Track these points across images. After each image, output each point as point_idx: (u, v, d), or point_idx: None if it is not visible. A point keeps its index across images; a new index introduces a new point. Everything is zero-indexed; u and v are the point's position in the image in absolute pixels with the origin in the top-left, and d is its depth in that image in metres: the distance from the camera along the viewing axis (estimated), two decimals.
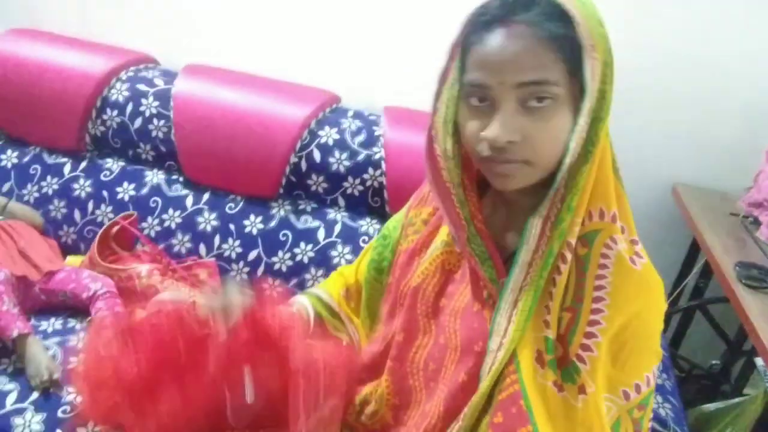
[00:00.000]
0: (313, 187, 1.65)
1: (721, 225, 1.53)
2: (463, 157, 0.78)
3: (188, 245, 1.64)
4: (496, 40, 0.68)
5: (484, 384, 0.73)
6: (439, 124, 0.77)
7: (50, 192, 1.73)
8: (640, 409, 0.73)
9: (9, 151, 1.78)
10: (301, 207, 1.65)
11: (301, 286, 1.57)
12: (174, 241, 1.65)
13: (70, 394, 1.22)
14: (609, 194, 0.73)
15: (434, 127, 0.78)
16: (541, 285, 0.72)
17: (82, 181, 1.73)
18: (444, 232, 0.86)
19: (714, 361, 1.76)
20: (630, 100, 1.65)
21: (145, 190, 1.70)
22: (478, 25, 0.70)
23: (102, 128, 1.74)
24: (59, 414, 1.20)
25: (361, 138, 1.63)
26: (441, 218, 0.87)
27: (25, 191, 1.74)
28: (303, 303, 0.99)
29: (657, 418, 1.18)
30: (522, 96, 0.67)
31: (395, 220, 0.98)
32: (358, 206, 1.64)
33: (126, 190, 1.70)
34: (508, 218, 0.82)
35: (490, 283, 0.77)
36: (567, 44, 0.67)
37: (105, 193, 1.70)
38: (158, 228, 1.66)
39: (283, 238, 1.60)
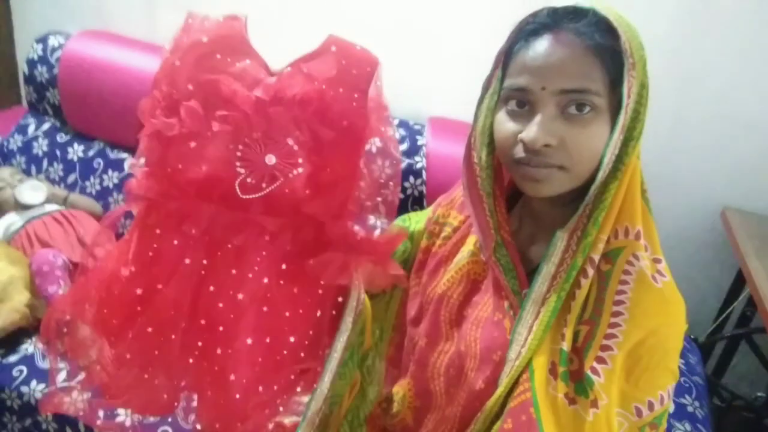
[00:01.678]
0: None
1: None
2: (495, 168, 0.80)
3: None
4: (542, 45, 0.69)
5: (499, 390, 0.74)
6: (477, 132, 0.79)
7: (110, 185, 1.84)
8: (652, 428, 0.72)
9: (75, 145, 1.90)
10: None
11: None
12: None
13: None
14: (635, 214, 0.73)
15: (474, 135, 0.80)
16: (563, 297, 0.73)
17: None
18: (471, 242, 0.87)
19: (759, 394, 1.70)
20: (681, 121, 1.62)
21: None
22: (525, 32, 0.72)
23: None
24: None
25: (404, 146, 1.66)
26: (470, 227, 0.88)
27: (87, 183, 1.85)
28: None
29: None
30: (563, 102, 0.69)
31: (419, 214, 1.00)
32: (398, 213, 1.66)
33: None
34: (533, 232, 0.83)
35: (512, 293, 0.78)
36: (610, 57, 0.68)
37: None
38: None
39: None
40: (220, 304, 0.81)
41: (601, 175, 0.69)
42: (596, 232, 0.72)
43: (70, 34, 1.92)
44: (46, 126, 1.94)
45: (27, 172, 1.88)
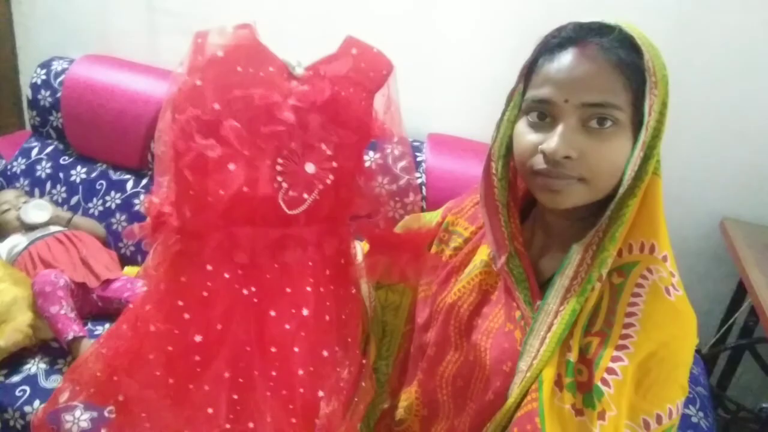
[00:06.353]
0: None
1: None
2: (510, 180, 0.81)
3: None
4: (567, 58, 0.70)
5: (509, 402, 0.74)
6: (497, 144, 0.80)
7: (113, 206, 1.86)
8: None
9: (78, 167, 1.92)
10: None
11: None
12: None
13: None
14: (654, 228, 0.73)
15: (494, 146, 0.81)
16: (577, 311, 0.73)
17: (142, 196, 1.85)
18: (484, 252, 0.87)
19: (764, 405, 1.69)
20: (679, 132, 1.63)
21: None
22: (551, 46, 0.73)
23: None
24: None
25: (403, 163, 1.67)
26: (482, 238, 0.89)
27: (90, 204, 1.87)
28: None
29: None
30: (585, 116, 0.69)
31: (427, 216, 1.01)
32: None
33: None
34: (545, 244, 0.83)
35: (524, 304, 0.78)
36: (634, 73, 0.69)
37: None
38: None
39: None
40: (287, 326, 0.78)
41: (621, 191, 0.70)
42: (613, 247, 0.72)
43: (73, 59, 1.95)
44: (49, 149, 1.96)
45: (30, 194, 1.89)
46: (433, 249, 0.95)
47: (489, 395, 0.78)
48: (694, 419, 1.28)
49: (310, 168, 0.79)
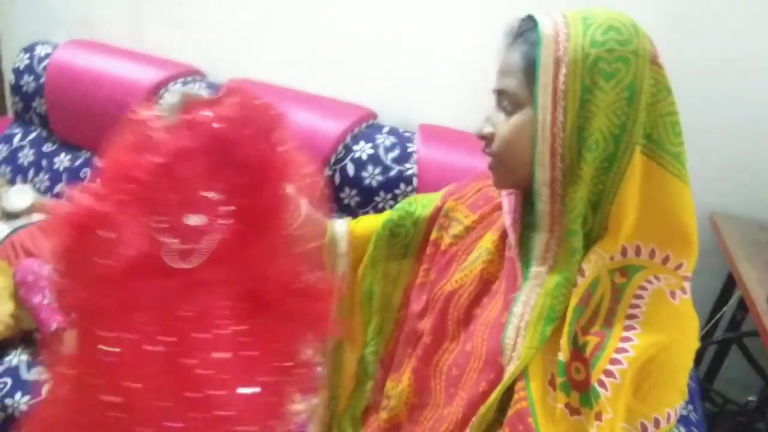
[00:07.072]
0: (346, 201, 1.68)
1: (759, 256, 1.48)
2: None
3: None
4: (504, 53, 0.78)
5: (492, 396, 0.74)
6: None
7: None
8: None
9: (62, 155, 1.88)
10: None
11: None
12: None
13: None
14: (670, 236, 0.74)
15: None
16: (556, 308, 0.72)
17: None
18: (488, 240, 0.86)
19: (750, 398, 1.70)
20: None
21: None
22: (503, 40, 0.79)
23: None
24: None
25: (394, 154, 1.66)
26: (487, 227, 0.88)
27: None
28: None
29: None
30: (499, 100, 0.77)
31: (426, 198, 1.00)
32: None
33: None
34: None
35: None
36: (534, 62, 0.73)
37: None
38: None
39: None
40: (207, 372, 0.77)
41: (537, 174, 0.72)
42: (575, 240, 0.72)
43: (57, 44, 1.91)
44: (32, 135, 1.92)
45: (12, 183, 1.85)
46: (433, 235, 0.94)
47: (482, 386, 0.77)
48: (684, 412, 1.28)
49: (195, 219, 0.77)
